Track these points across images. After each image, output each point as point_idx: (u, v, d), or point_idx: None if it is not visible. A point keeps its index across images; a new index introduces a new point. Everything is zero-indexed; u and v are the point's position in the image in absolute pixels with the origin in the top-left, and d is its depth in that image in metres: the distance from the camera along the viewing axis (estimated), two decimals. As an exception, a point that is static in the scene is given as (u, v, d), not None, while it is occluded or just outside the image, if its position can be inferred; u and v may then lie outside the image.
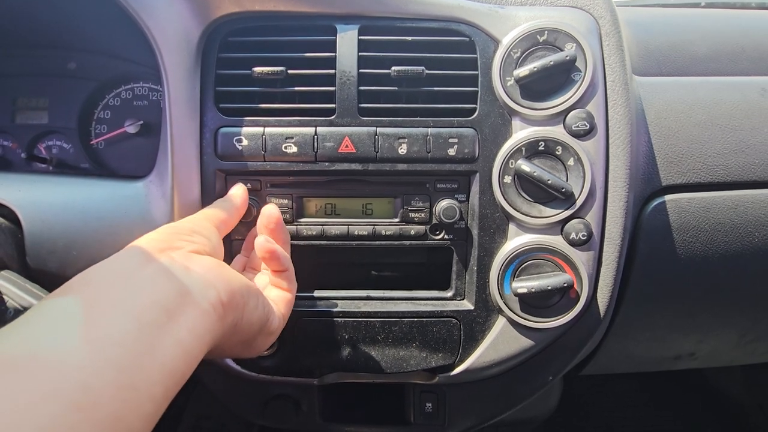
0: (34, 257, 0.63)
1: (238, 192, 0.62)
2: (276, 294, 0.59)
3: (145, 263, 0.45)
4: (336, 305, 0.67)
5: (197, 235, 0.52)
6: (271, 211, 0.60)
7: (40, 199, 0.65)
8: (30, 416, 0.31)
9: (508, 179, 0.63)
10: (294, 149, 0.63)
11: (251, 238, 0.65)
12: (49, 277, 0.63)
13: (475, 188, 0.65)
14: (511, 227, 0.65)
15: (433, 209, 0.66)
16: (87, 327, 0.37)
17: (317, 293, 0.68)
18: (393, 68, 0.63)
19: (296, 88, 0.64)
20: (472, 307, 0.67)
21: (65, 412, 0.33)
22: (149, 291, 0.43)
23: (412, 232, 0.66)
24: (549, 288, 0.61)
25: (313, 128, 0.63)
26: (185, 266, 0.47)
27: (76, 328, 0.37)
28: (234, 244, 0.66)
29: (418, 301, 0.68)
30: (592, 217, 0.64)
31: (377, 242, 0.66)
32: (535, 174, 0.61)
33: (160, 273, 0.45)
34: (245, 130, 0.63)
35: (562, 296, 0.64)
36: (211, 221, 0.56)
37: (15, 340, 0.36)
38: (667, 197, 0.70)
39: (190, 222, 0.55)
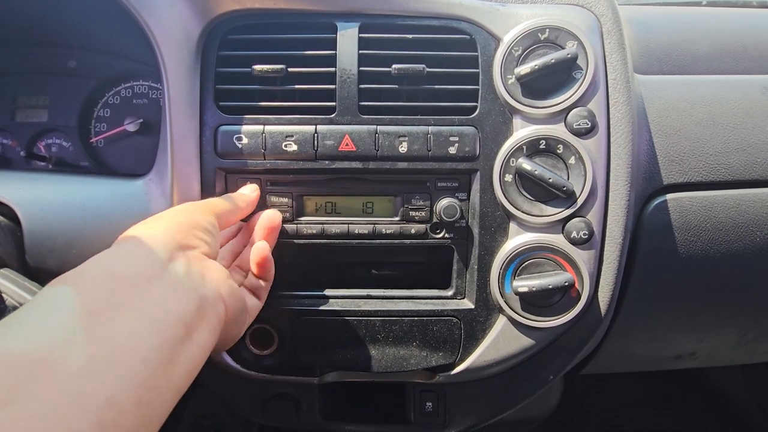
0: (33, 255, 0.63)
1: (251, 195, 0.62)
2: (251, 302, 0.58)
3: (166, 264, 0.44)
4: (336, 304, 0.67)
5: (209, 235, 0.51)
6: (275, 214, 0.61)
7: (39, 197, 0.64)
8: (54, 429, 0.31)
9: (508, 178, 0.63)
10: (294, 147, 0.63)
11: (250, 230, 0.63)
12: (48, 275, 0.62)
13: (475, 187, 0.65)
14: (512, 226, 0.65)
15: (434, 208, 0.66)
16: (114, 337, 0.36)
17: (317, 292, 0.68)
18: (393, 66, 0.63)
19: (296, 86, 0.64)
20: (472, 306, 0.67)
21: (90, 428, 0.32)
22: (172, 302, 0.42)
23: (413, 231, 0.66)
24: (550, 287, 0.61)
25: (314, 126, 0.63)
26: (202, 274, 0.46)
27: (104, 337, 0.36)
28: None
29: (418, 300, 0.68)
30: (593, 215, 0.64)
31: (377, 241, 0.66)
32: (536, 172, 0.61)
33: (181, 282, 0.44)
34: (245, 128, 0.63)
35: (563, 295, 0.64)
36: (218, 219, 0.55)
37: (43, 337, 0.34)
38: (669, 196, 0.70)
39: (204, 215, 0.53)
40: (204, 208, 0.55)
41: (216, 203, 0.57)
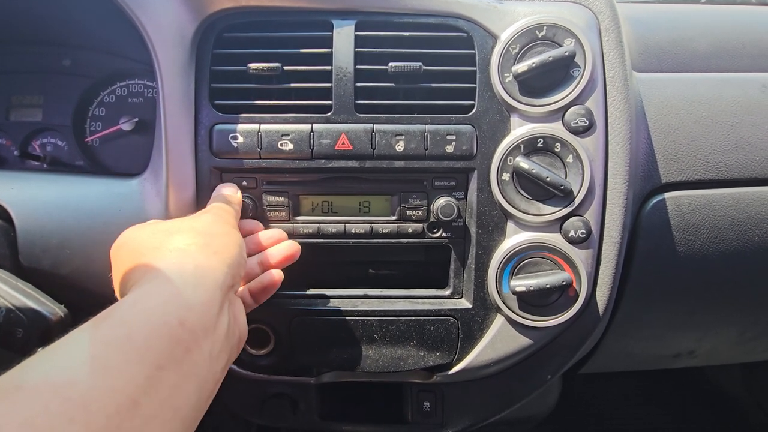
0: (27, 256, 0.63)
1: (237, 197, 0.62)
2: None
3: (220, 314, 0.44)
4: (333, 304, 0.67)
5: (243, 268, 0.51)
6: (294, 246, 0.61)
7: (33, 197, 0.64)
8: None
9: (506, 176, 0.63)
10: (290, 146, 0.62)
11: (256, 243, 0.62)
12: (42, 275, 0.63)
13: (473, 186, 0.64)
14: (510, 225, 0.64)
15: (431, 207, 0.65)
16: (170, 397, 0.37)
17: (314, 292, 0.68)
18: (390, 64, 0.62)
19: (292, 85, 0.64)
20: (470, 306, 0.66)
21: None
22: (215, 361, 0.42)
23: (410, 230, 0.66)
24: (547, 286, 0.61)
25: (309, 125, 0.63)
26: (235, 319, 0.47)
27: (164, 397, 0.36)
28: None
29: (415, 300, 0.67)
30: (591, 214, 0.63)
31: (374, 240, 0.66)
32: (533, 171, 0.61)
33: (224, 338, 0.44)
34: (241, 127, 0.63)
35: (561, 294, 0.64)
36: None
37: (118, 387, 0.35)
38: (667, 194, 0.69)
39: (243, 245, 0.52)
40: (238, 234, 0.53)
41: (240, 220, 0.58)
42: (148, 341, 0.37)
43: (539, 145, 0.62)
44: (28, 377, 0.33)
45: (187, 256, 0.45)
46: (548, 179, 0.61)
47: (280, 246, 0.61)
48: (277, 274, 0.58)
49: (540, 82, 0.62)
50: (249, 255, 0.60)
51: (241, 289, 0.58)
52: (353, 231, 0.65)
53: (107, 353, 0.35)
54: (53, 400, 0.31)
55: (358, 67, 0.63)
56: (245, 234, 0.61)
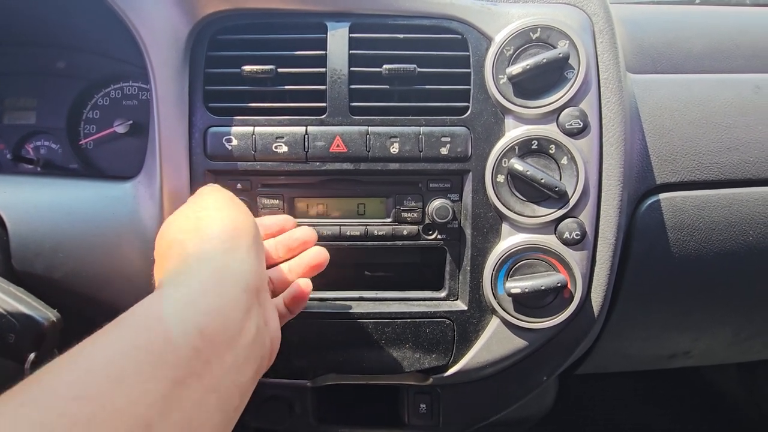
0: (19, 259, 0.62)
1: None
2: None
3: (246, 321, 0.40)
4: (328, 306, 0.66)
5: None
6: (323, 253, 0.58)
7: (26, 201, 0.63)
8: None
9: (501, 178, 0.63)
10: (284, 149, 0.62)
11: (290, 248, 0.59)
12: (35, 279, 0.62)
13: (467, 187, 0.64)
14: (505, 227, 0.64)
15: (426, 209, 0.65)
16: (191, 420, 0.34)
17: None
18: (384, 66, 0.62)
19: (286, 87, 0.63)
20: (465, 308, 0.66)
21: None
22: (240, 373, 0.39)
23: (405, 232, 0.66)
24: (542, 288, 0.61)
25: (304, 127, 0.62)
26: (266, 322, 0.44)
27: (181, 419, 0.33)
28: None
29: (411, 302, 0.67)
30: (585, 216, 0.63)
31: (370, 242, 0.66)
32: (528, 173, 0.61)
33: (251, 347, 0.40)
34: (235, 129, 0.62)
35: (556, 296, 0.64)
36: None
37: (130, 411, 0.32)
38: (662, 196, 0.70)
39: (263, 243, 0.50)
40: (257, 232, 0.49)
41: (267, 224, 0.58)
42: (163, 353, 0.33)
43: (534, 146, 0.62)
44: (31, 394, 0.30)
45: (207, 256, 0.42)
46: (543, 181, 0.61)
47: (308, 253, 0.58)
48: (305, 284, 0.56)
49: (534, 84, 0.62)
50: (280, 259, 0.58)
51: (276, 299, 0.56)
52: (348, 233, 0.65)
53: (118, 367, 0.32)
54: (58, 423, 0.28)
55: (352, 69, 0.63)
56: (277, 232, 0.60)
